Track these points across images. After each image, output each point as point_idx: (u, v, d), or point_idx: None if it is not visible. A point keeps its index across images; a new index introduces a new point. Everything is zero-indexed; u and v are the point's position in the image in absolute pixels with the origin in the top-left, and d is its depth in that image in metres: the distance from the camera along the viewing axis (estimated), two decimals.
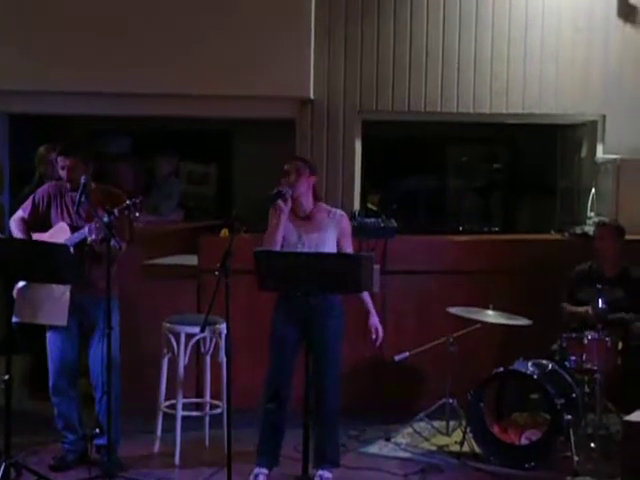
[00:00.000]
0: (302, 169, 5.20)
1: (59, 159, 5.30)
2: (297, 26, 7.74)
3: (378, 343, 5.34)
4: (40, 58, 7.59)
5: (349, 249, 5.25)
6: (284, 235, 5.15)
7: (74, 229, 5.18)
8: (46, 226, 5.28)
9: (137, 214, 5.14)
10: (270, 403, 5.17)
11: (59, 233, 5.19)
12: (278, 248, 5.11)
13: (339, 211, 5.31)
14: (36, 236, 5.25)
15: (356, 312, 6.13)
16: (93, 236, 5.03)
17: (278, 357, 5.18)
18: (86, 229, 5.06)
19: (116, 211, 4.99)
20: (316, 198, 5.29)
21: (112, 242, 4.87)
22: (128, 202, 5.06)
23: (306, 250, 5.08)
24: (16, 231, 5.35)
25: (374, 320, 5.32)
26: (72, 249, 5.01)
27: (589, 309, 5.89)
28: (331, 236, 5.17)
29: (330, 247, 5.16)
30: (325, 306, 5.04)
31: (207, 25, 7.63)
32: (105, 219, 4.92)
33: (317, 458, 5.09)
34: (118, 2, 7.62)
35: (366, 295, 5.26)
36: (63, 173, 5.26)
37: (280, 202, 5.10)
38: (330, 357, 5.10)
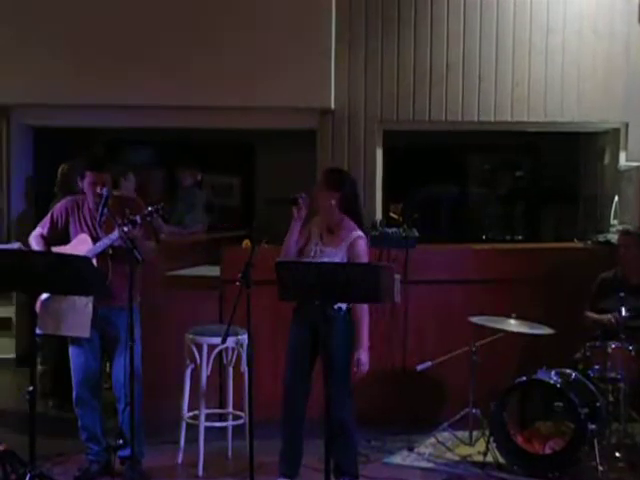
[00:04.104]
0: (323, 182, 5.21)
1: (90, 174, 5.26)
2: (318, 37, 7.78)
3: (358, 377, 5.09)
4: (63, 72, 7.68)
5: None
6: (305, 242, 5.18)
7: (95, 241, 5.22)
8: (65, 242, 5.31)
9: (160, 220, 5.15)
10: (287, 414, 5.18)
11: (81, 244, 5.22)
12: (291, 254, 5.13)
13: (357, 233, 5.11)
14: (57, 249, 5.27)
15: (379, 321, 6.17)
16: (121, 242, 5.03)
17: (291, 367, 5.19)
18: (115, 235, 5.05)
19: (138, 218, 5.01)
20: (345, 212, 5.15)
21: (135, 253, 4.89)
22: (150, 208, 5.09)
23: (309, 259, 5.06)
24: (36, 247, 5.36)
25: (359, 354, 5.05)
26: (95, 260, 5.06)
27: (612, 317, 5.85)
28: (340, 255, 5.06)
29: None
30: (338, 316, 5.01)
31: (228, 38, 7.69)
32: (128, 227, 4.95)
33: (335, 470, 5.06)
34: (139, 16, 7.70)
35: (364, 326, 5.05)
36: (94, 188, 5.21)
37: (294, 209, 5.10)
38: (338, 367, 4.95)
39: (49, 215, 5.42)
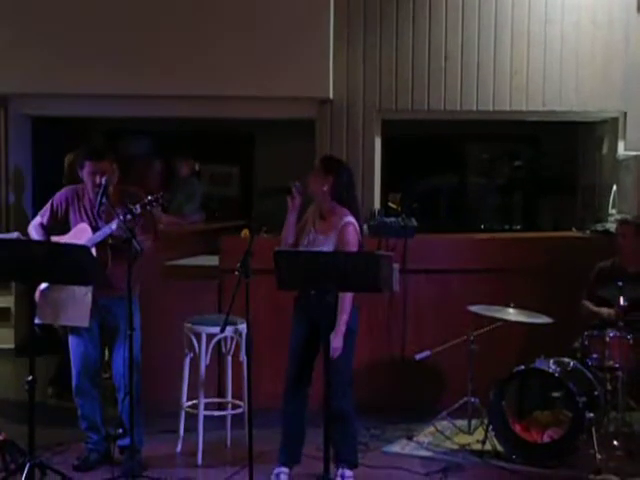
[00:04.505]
0: (319, 167, 5.18)
1: (89, 164, 5.25)
2: (316, 27, 7.77)
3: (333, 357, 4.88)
4: (62, 62, 7.66)
5: None
6: (301, 232, 5.15)
7: (94, 230, 5.21)
8: (65, 231, 5.30)
9: (159, 210, 5.13)
10: (289, 402, 5.18)
11: (80, 233, 5.21)
12: (289, 242, 5.12)
13: (346, 219, 5.01)
14: (56, 239, 5.27)
15: (378, 310, 6.17)
16: (120, 232, 5.02)
17: (295, 356, 5.17)
18: (114, 224, 5.05)
19: (138, 207, 5.01)
20: (339, 200, 5.07)
21: (134, 243, 4.89)
22: (150, 197, 5.09)
23: (303, 248, 5.04)
24: (35, 236, 5.35)
25: (332, 338, 4.84)
26: (94, 249, 5.06)
27: (612, 312, 5.84)
28: (330, 242, 5.00)
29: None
30: (337, 305, 4.93)
31: (228, 27, 7.67)
32: (128, 216, 4.95)
33: (335, 458, 5.08)
34: (138, 5, 7.68)
35: (344, 313, 4.93)
36: (94, 178, 5.19)
37: (288, 198, 5.08)
38: (338, 355, 4.92)
39: (49, 204, 5.41)
